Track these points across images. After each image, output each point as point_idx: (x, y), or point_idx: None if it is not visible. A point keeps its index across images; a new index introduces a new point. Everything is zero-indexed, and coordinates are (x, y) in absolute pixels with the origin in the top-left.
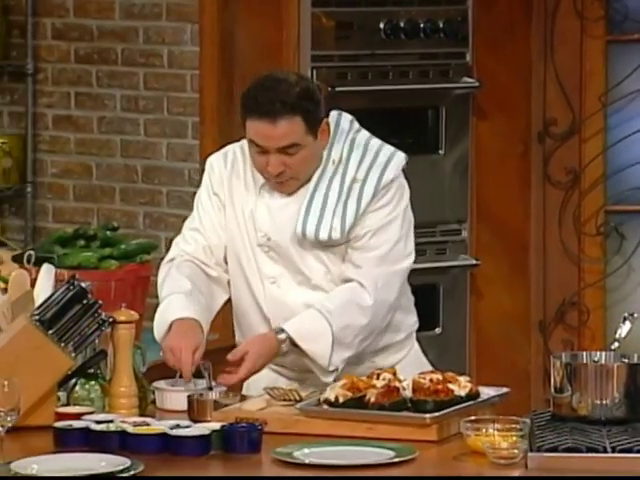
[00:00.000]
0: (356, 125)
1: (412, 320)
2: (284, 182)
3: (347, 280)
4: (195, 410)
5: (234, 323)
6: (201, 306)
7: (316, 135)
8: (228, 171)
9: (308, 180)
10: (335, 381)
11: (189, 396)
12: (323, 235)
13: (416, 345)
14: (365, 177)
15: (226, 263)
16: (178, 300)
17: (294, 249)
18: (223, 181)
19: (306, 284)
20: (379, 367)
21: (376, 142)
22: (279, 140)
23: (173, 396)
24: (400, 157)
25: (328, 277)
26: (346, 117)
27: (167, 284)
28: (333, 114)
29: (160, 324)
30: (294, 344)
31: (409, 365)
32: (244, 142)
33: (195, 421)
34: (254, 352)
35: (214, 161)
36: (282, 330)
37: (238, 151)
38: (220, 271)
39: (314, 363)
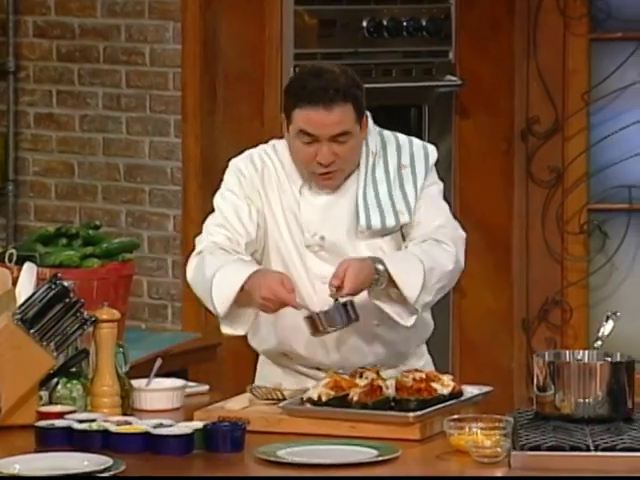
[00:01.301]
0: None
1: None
2: (331, 174)
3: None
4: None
5: (259, 326)
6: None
7: (361, 125)
8: (260, 175)
9: (348, 175)
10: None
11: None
12: (390, 222)
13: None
14: (411, 162)
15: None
16: (235, 266)
17: (350, 244)
18: (257, 186)
19: None
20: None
21: (401, 134)
22: (333, 127)
23: (149, 396)
24: (430, 146)
25: None
26: (368, 114)
27: (209, 266)
28: None
29: (226, 292)
30: (389, 277)
31: None
32: (266, 147)
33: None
34: (355, 266)
35: (242, 166)
36: (379, 260)
37: (265, 155)
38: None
39: (399, 302)
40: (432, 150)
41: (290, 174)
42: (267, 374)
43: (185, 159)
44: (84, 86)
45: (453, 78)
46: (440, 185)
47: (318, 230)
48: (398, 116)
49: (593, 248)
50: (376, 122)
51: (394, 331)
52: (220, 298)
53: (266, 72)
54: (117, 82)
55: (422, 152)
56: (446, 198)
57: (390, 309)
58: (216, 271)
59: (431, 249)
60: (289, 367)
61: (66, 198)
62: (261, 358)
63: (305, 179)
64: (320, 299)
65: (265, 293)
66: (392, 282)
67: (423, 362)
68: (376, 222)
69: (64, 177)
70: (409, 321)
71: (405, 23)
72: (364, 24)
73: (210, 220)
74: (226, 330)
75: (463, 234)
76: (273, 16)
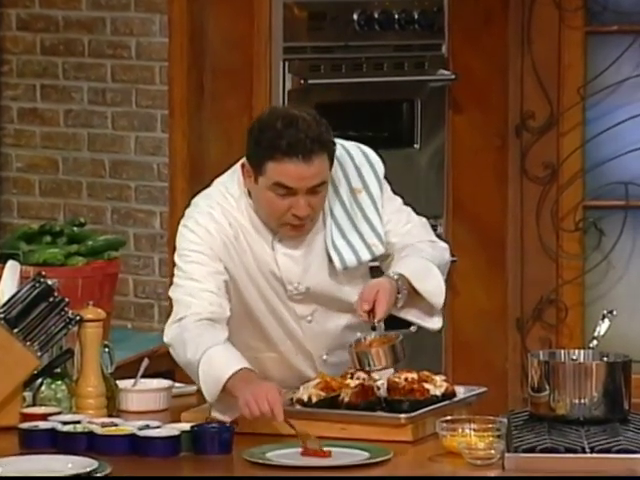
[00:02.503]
0: None
1: None
2: (304, 225)
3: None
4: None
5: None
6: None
7: (331, 169)
8: (232, 236)
9: None
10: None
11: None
12: (365, 257)
13: None
14: (363, 183)
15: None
16: (222, 354)
17: (332, 284)
18: (228, 247)
19: (345, 307)
20: None
21: (337, 147)
22: (312, 179)
23: (135, 397)
24: (364, 148)
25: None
26: None
27: (194, 341)
28: None
29: (212, 383)
30: (410, 286)
31: None
32: (222, 201)
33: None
34: (385, 289)
35: (209, 226)
36: (397, 274)
37: (228, 213)
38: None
39: (425, 307)
40: (376, 161)
41: (259, 230)
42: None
43: (172, 155)
44: (69, 80)
45: (446, 72)
46: (389, 190)
47: (301, 281)
48: (390, 111)
49: (589, 246)
50: (367, 118)
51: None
52: (210, 385)
53: (255, 66)
54: (102, 76)
55: (368, 167)
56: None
57: (421, 321)
58: (202, 353)
59: (427, 245)
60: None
61: (50, 195)
62: None
63: (274, 232)
64: (307, 335)
65: (255, 394)
66: (415, 293)
67: None
68: (351, 261)
69: (48, 173)
70: (438, 323)
71: (397, 16)
72: (355, 17)
73: (177, 292)
74: (215, 415)
75: (425, 220)
76: (262, 9)
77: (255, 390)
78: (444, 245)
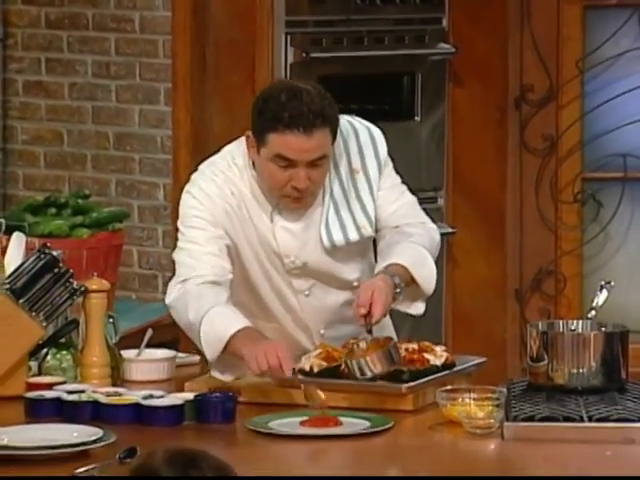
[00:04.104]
0: None
1: None
2: (304, 197)
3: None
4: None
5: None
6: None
7: (333, 143)
8: (234, 205)
9: None
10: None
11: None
12: (354, 237)
13: None
14: (363, 164)
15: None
16: (224, 313)
17: (329, 261)
18: (230, 215)
19: (342, 287)
20: None
21: (345, 122)
22: (313, 152)
23: (139, 366)
24: (374, 130)
25: (363, 264)
26: None
27: (196, 302)
28: None
29: (215, 341)
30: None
31: None
32: (225, 169)
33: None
34: (381, 290)
35: (211, 192)
36: (393, 273)
37: (230, 182)
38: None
39: (412, 294)
40: (381, 143)
41: (260, 202)
42: None
43: (175, 128)
44: (73, 54)
45: (446, 46)
46: (395, 172)
47: (299, 256)
48: (390, 84)
49: (587, 217)
50: (368, 91)
51: None
52: (211, 344)
53: (257, 40)
54: (106, 50)
55: (372, 149)
56: (397, 169)
57: (405, 307)
58: (204, 314)
59: (418, 227)
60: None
61: (55, 167)
62: None
63: (273, 204)
64: (305, 309)
65: (266, 349)
66: (411, 282)
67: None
68: (339, 239)
69: (53, 146)
70: (421, 309)
71: None
72: None
73: (182, 256)
74: (215, 374)
75: (415, 199)
76: None
77: (263, 345)
78: (433, 226)
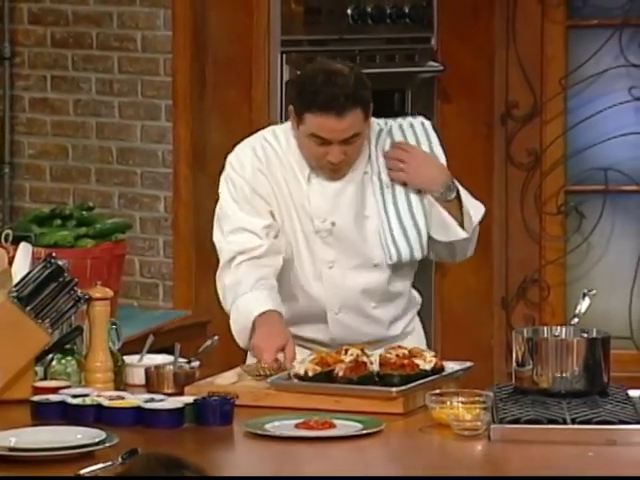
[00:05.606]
0: None
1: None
2: (340, 170)
3: None
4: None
5: None
6: (274, 293)
7: (367, 120)
8: (265, 166)
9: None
10: None
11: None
12: (417, 255)
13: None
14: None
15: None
16: (253, 296)
17: (357, 231)
18: (262, 177)
19: (364, 266)
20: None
21: (394, 124)
22: (344, 132)
23: (141, 371)
24: (425, 122)
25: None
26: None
27: (231, 290)
28: None
29: (243, 326)
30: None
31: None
32: (265, 134)
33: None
34: (419, 153)
35: (245, 159)
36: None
37: (266, 144)
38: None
39: (458, 218)
40: (434, 138)
41: (299, 161)
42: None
43: (176, 142)
44: (77, 71)
45: (435, 64)
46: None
47: (328, 216)
48: (382, 101)
49: (570, 228)
50: None
51: (389, 312)
52: (241, 330)
53: (254, 59)
54: (109, 68)
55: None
56: None
57: (449, 218)
58: (232, 302)
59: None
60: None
61: (60, 180)
62: None
63: (312, 168)
64: (327, 282)
65: (259, 344)
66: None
67: (414, 338)
68: (406, 256)
69: (58, 160)
70: (465, 233)
71: (388, 10)
72: (349, 11)
73: (225, 224)
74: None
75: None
76: (261, 4)
77: (258, 342)
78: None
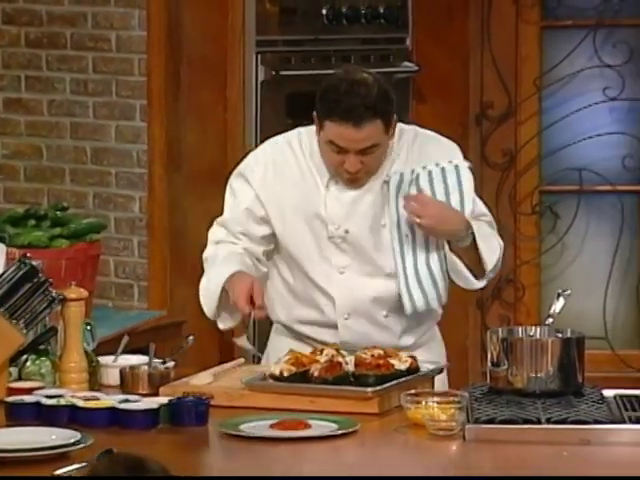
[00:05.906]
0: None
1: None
2: (358, 178)
3: None
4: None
5: (272, 298)
6: (246, 264)
7: (390, 132)
8: (279, 169)
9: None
10: None
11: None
12: (434, 304)
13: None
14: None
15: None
16: (216, 269)
17: (371, 239)
18: (270, 181)
19: (376, 274)
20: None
21: (422, 172)
22: (361, 142)
23: (116, 372)
24: (459, 165)
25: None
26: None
27: (213, 265)
28: None
29: (210, 300)
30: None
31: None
32: (291, 137)
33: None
34: (431, 208)
35: (259, 160)
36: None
37: (287, 149)
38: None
39: (475, 266)
40: (465, 173)
41: (319, 166)
42: (277, 342)
43: (150, 143)
44: (52, 72)
45: (410, 64)
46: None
47: (342, 223)
48: None
49: (544, 228)
50: None
51: (401, 322)
52: (207, 304)
53: (229, 59)
54: (84, 68)
55: (459, 198)
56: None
57: (462, 271)
58: (208, 272)
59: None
60: (299, 337)
61: (35, 180)
62: (273, 326)
63: (331, 174)
64: (338, 287)
65: (233, 299)
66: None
67: (428, 350)
68: (421, 306)
69: (33, 160)
70: (481, 283)
71: (363, 11)
72: (324, 12)
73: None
74: (221, 326)
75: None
76: (235, 4)
77: (238, 287)
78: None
